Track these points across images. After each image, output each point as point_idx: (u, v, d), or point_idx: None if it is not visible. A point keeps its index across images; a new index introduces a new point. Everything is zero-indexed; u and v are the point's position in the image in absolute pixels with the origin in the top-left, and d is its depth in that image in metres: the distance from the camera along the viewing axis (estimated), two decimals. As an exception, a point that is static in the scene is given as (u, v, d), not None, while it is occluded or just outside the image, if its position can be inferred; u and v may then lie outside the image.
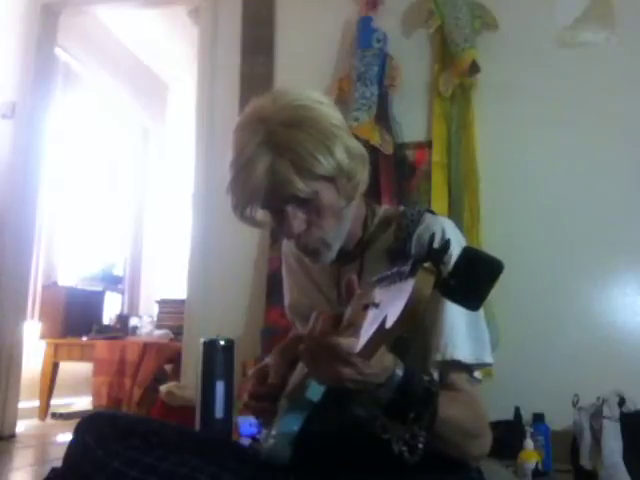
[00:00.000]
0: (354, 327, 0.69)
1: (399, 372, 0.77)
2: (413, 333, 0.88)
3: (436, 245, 0.61)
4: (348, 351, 0.69)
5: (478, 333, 0.95)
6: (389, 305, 0.60)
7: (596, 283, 2.39)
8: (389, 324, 0.57)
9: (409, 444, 0.77)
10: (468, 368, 0.94)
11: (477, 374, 0.95)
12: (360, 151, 0.98)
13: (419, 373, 0.81)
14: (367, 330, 0.63)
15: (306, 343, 0.75)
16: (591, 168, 2.47)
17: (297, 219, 0.96)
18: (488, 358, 0.95)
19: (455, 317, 0.93)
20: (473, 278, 0.61)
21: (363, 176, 0.99)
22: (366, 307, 0.66)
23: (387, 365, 0.76)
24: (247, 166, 0.92)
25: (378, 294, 0.65)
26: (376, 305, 0.63)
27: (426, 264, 0.58)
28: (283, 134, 0.91)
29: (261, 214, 1.00)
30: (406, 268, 0.59)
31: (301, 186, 0.91)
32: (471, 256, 0.61)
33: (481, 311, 0.96)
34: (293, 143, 0.91)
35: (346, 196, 0.98)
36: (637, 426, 1.91)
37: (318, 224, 0.97)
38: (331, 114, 0.96)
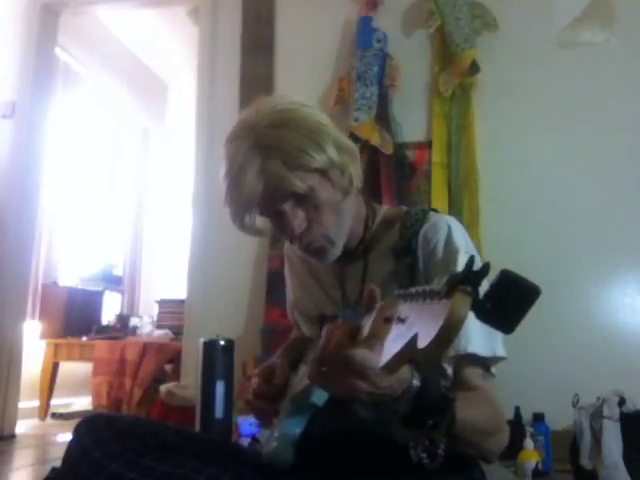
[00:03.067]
0: (374, 340, 0.66)
1: (416, 383, 0.75)
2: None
3: (475, 268, 0.60)
4: (363, 364, 0.67)
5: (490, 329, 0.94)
6: (420, 323, 0.58)
7: (596, 283, 2.39)
8: (423, 344, 0.55)
9: (428, 451, 0.75)
10: (483, 362, 0.94)
11: (493, 369, 0.95)
12: (350, 147, 0.99)
13: (435, 380, 0.78)
14: (391, 346, 0.61)
15: (319, 355, 0.72)
16: (591, 168, 2.47)
17: (297, 218, 0.96)
18: (501, 351, 0.95)
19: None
20: (509, 302, 0.60)
21: (355, 170, 1.00)
22: (387, 320, 0.64)
23: (403, 377, 0.74)
24: (239, 173, 0.93)
25: (404, 309, 0.62)
26: (402, 320, 0.61)
27: (465, 287, 0.57)
28: (270, 135, 0.92)
29: (261, 222, 1.00)
30: (438, 287, 0.58)
31: (295, 181, 0.92)
32: (508, 280, 0.60)
33: None
34: (281, 141, 0.91)
35: (342, 189, 0.98)
36: (637, 426, 1.91)
37: (318, 220, 0.97)
38: (317, 114, 0.97)
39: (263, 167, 0.91)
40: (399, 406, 0.74)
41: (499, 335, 0.96)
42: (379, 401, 0.73)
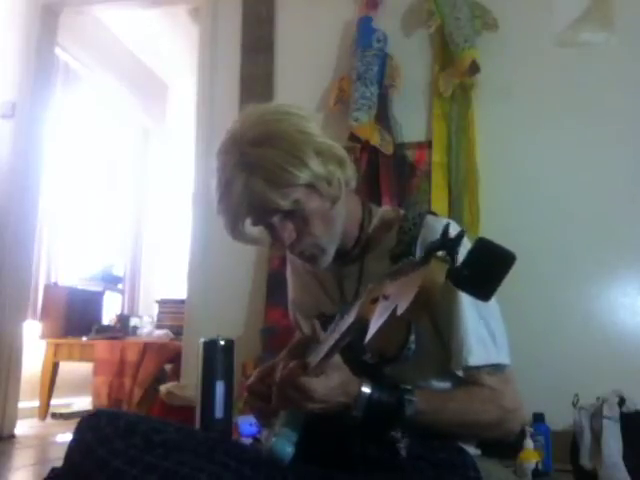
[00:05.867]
0: (319, 368, 0.83)
1: (365, 390, 0.87)
2: (418, 341, 0.93)
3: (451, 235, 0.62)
4: (305, 388, 0.83)
5: (489, 334, 0.97)
6: (400, 295, 0.61)
7: (596, 283, 2.39)
8: (400, 311, 0.59)
9: (397, 443, 0.86)
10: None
11: (503, 359, 0.97)
12: (334, 152, 0.99)
13: (388, 387, 0.89)
14: (376, 322, 0.65)
15: (276, 385, 0.88)
16: (591, 168, 2.47)
17: (286, 230, 0.98)
18: (497, 359, 0.97)
19: (468, 321, 0.95)
20: (485, 269, 0.62)
21: (345, 175, 1.00)
22: (375, 301, 0.68)
23: (350, 390, 0.87)
24: (226, 189, 0.96)
25: (389, 287, 0.66)
26: (386, 297, 0.65)
27: (439, 253, 0.60)
28: (253, 153, 0.93)
29: (255, 230, 1.03)
30: (418, 258, 0.60)
31: (278, 200, 0.93)
32: (484, 247, 0.63)
33: (497, 312, 0.98)
34: (263, 160, 0.93)
35: (330, 198, 0.99)
36: (637, 426, 1.91)
37: (308, 231, 0.98)
38: (299, 123, 0.97)
39: (247, 185, 0.93)
40: (355, 413, 0.87)
41: (499, 341, 0.98)
42: (335, 412, 0.87)
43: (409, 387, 0.89)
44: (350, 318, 0.73)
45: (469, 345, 0.94)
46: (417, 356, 0.95)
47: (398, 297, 0.60)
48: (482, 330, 0.96)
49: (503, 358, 0.97)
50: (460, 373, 0.96)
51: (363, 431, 0.88)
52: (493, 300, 0.99)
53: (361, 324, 0.70)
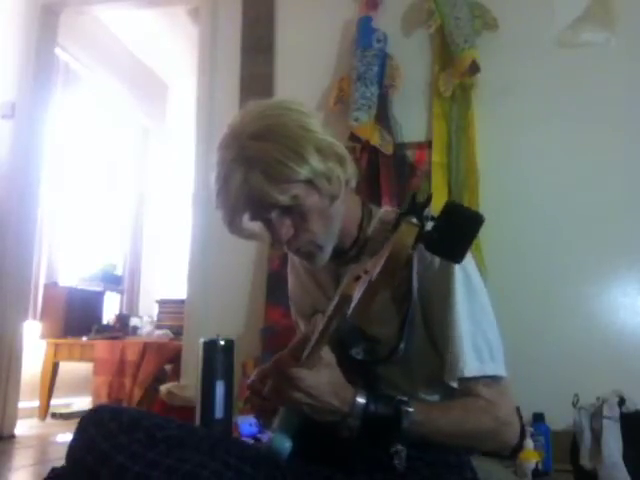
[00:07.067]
0: (310, 360, 0.82)
1: (361, 400, 0.85)
2: (412, 350, 0.94)
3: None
4: (293, 376, 0.82)
5: (486, 345, 0.95)
6: (376, 264, 0.64)
7: (596, 283, 2.39)
8: (374, 275, 0.62)
9: (395, 455, 0.84)
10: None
11: (500, 371, 0.96)
12: (335, 149, 0.98)
13: (384, 396, 0.88)
14: (357, 295, 0.68)
15: (270, 377, 0.88)
16: (591, 168, 2.47)
17: (284, 226, 0.97)
18: (493, 370, 0.94)
19: (464, 331, 0.94)
20: (454, 231, 0.65)
21: (345, 173, 0.99)
22: (357, 278, 0.70)
23: (346, 397, 0.86)
24: (225, 182, 0.95)
25: (368, 263, 0.70)
26: (366, 272, 0.68)
27: (411, 219, 0.63)
28: (252, 147, 0.93)
29: (253, 226, 1.02)
30: (389, 227, 0.64)
31: (277, 195, 0.92)
32: (452, 210, 0.66)
33: (493, 322, 0.97)
34: (262, 154, 0.92)
35: (329, 195, 0.98)
36: (637, 426, 1.91)
37: (305, 227, 0.97)
38: (300, 119, 0.96)
39: (246, 179, 0.93)
40: (350, 422, 0.85)
41: (495, 352, 0.96)
42: (324, 415, 0.85)
43: (405, 398, 0.87)
44: (336, 299, 0.74)
45: (465, 356, 0.92)
46: (408, 363, 0.95)
47: (374, 267, 0.63)
48: (478, 341, 0.94)
49: (499, 370, 0.95)
50: (455, 384, 0.93)
51: (359, 441, 0.86)
52: (489, 310, 0.98)
53: (346, 301, 0.71)
